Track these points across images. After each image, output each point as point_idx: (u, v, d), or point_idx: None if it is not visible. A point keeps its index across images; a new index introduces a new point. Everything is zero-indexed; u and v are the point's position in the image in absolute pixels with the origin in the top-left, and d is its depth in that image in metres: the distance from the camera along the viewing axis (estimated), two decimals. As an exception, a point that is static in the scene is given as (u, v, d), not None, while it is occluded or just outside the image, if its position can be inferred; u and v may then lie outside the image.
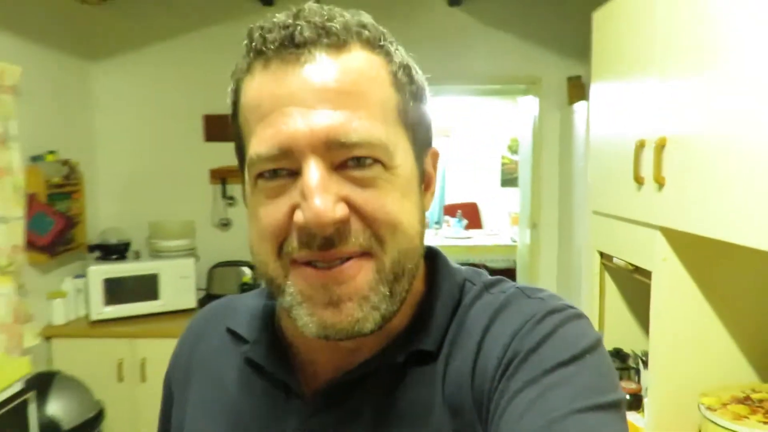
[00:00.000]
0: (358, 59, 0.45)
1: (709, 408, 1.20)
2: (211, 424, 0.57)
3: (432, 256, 0.56)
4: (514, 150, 6.60)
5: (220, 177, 3.01)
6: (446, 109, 6.35)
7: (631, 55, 1.44)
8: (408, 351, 0.50)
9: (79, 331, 2.58)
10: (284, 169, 0.44)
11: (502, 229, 5.85)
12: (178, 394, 0.63)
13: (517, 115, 3.49)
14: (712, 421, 1.17)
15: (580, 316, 0.49)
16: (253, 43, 0.46)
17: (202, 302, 2.86)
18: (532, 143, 3.16)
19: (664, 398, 1.36)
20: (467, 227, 5.61)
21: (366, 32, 0.46)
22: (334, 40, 0.44)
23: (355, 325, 0.45)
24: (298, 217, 0.43)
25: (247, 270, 2.92)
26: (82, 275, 2.70)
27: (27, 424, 1.86)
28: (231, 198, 3.03)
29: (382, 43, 0.47)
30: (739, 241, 1.02)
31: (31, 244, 2.30)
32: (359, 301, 0.45)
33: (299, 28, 0.44)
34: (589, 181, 1.74)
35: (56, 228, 2.44)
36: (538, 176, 3.17)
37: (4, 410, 1.74)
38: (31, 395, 1.88)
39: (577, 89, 2.86)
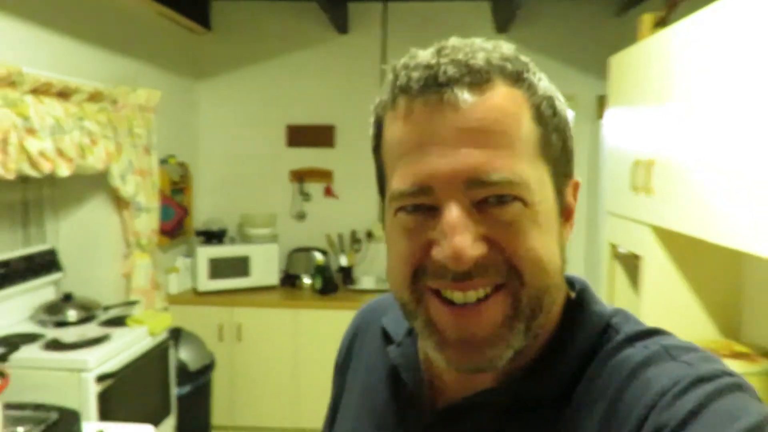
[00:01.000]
0: (500, 95, 0.44)
1: (678, 353, 1.68)
2: (354, 414, 0.60)
3: (577, 288, 0.52)
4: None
5: (299, 177, 3.60)
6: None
7: (636, 93, 1.91)
8: (525, 392, 0.47)
9: (189, 299, 3.21)
10: (424, 204, 0.45)
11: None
12: (339, 381, 0.67)
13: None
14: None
15: (738, 386, 0.42)
16: (398, 81, 0.46)
17: (283, 281, 3.46)
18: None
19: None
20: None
21: (509, 65, 0.45)
22: (477, 78, 0.44)
23: (488, 362, 0.45)
24: (437, 253, 0.43)
25: (318, 255, 3.49)
26: (189, 255, 3.35)
27: (167, 364, 2.48)
28: (307, 194, 3.61)
29: (525, 75, 0.46)
30: (704, 237, 1.50)
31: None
32: (494, 340, 0.44)
33: (443, 67, 0.44)
34: (604, 187, 2.22)
35: (177, 217, 3.07)
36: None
37: (155, 350, 2.35)
38: (171, 342, 2.50)
39: (605, 106, 3.32)
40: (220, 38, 3.54)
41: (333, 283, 3.34)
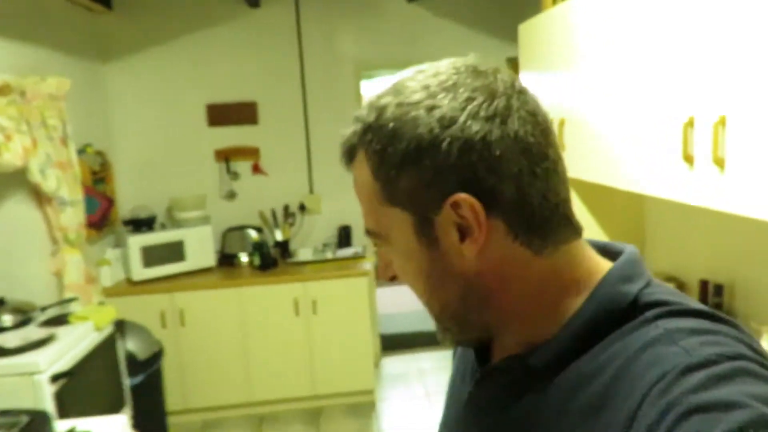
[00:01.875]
0: (356, 167, 0.55)
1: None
2: (453, 376, 0.71)
3: (611, 268, 0.53)
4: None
5: (224, 156, 3.56)
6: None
7: (544, 58, 2.10)
8: (526, 362, 0.52)
9: (125, 290, 3.15)
10: None
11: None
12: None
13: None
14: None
15: (738, 371, 0.41)
16: None
17: (220, 261, 3.46)
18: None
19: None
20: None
21: (360, 136, 0.53)
22: (349, 158, 0.55)
23: (445, 343, 0.60)
24: None
25: (253, 232, 3.51)
26: (119, 246, 3.26)
27: (117, 356, 2.46)
28: (234, 173, 3.59)
29: (365, 134, 0.52)
30: (609, 183, 1.72)
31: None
32: (438, 327, 0.59)
33: (342, 149, 0.56)
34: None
35: (102, 208, 2.97)
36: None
37: (103, 344, 2.33)
38: (117, 334, 2.47)
39: (515, 69, 3.54)
40: (123, 17, 3.37)
41: (271, 258, 3.39)
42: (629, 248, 0.55)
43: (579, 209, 2.05)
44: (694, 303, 0.50)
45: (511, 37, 3.62)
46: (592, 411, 0.46)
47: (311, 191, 3.71)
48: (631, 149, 1.56)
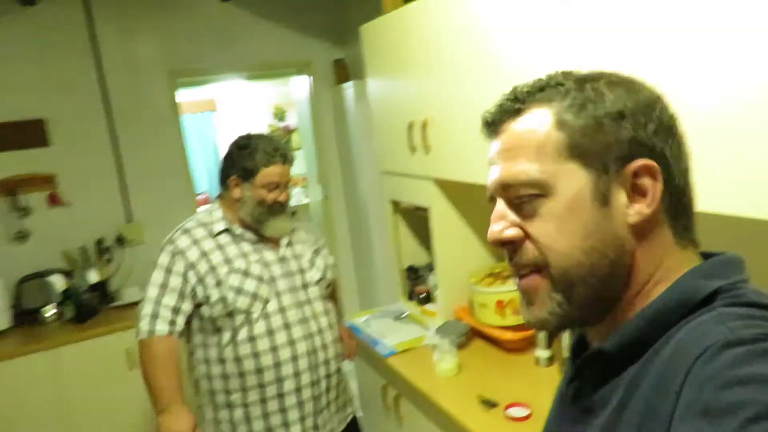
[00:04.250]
0: (525, 120, 0.57)
1: (474, 284, 1.95)
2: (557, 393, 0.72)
3: (699, 264, 0.56)
4: (280, 117, 7.07)
5: (8, 188, 2.84)
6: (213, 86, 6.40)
7: (398, 60, 2.05)
8: (596, 348, 0.57)
9: None
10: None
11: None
12: None
13: (293, 92, 3.97)
14: (477, 290, 1.92)
15: None
16: (483, 128, 0.62)
17: (18, 319, 2.76)
18: (311, 116, 3.70)
19: (447, 287, 2.10)
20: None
21: (539, 93, 0.57)
22: (511, 114, 0.58)
23: (539, 323, 0.58)
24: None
25: (59, 277, 2.87)
26: None
27: None
28: (24, 208, 2.89)
29: (551, 95, 0.56)
30: (474, 181, 1.73)
31: None
32: (539, 305, 0.57)
33: (493, 113, 0.60)
34: (375, 150, 2.36)
35: None
36: (321, 143, 3.74)
37: None
38: None
39: (342, 69, 3.47)
40: None
41: (89, 306, 2.82)
42: (729, 252, 0.57)
43: (448, 211, 2.04)
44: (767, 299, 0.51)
45: (337, 39, 3.56)
46: (654, 393, 0.48)
47: (130, 219, 3.18)
48: (487, 146, 1.58)
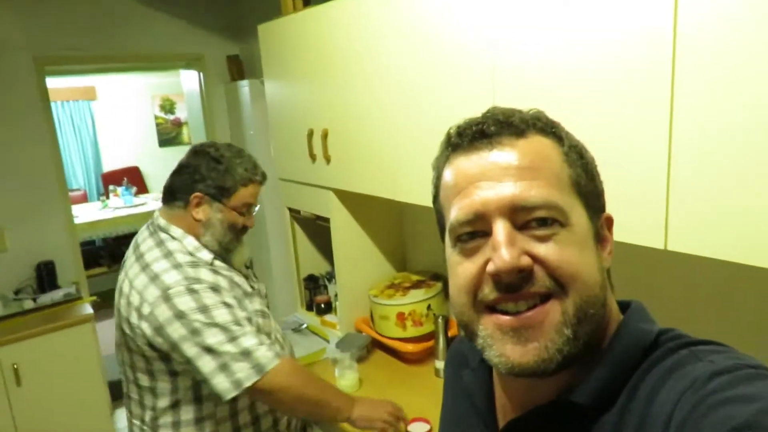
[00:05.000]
0: (534, 143, 0.54)
1: (374, 295, 1.93)
2: (443, 424, 0.72)
3: (628, 311, 0.57)
4: (168, 109, 6.62)
5: None
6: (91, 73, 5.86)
7: (296, 64, 1.97)
8: (564, 399, 0.53)
9: None
10: (479, 231, 0.52)
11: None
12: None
13: (185, 84, 3.72)
14: (377, 303, 1.91)
15: (760, 375, 0.44)
16: (451, 139, 0.57)
17: None
18: (202, 111, 3.48)
19: (348, 298, 2.07)
20: (136, 194, 5.53)
21: (540, 123, 0.56)
22: (514, 130, 0.54)
23: (541, 364, 0.50)
24: (490, 267, 0.51)
25: None
26: None
27: None
28: None
29: (553, 129, 0.56)
30: (373, 193, 1.70)
31: None
32: (545, 342, 0.50)
33: (487, 124, 0.54)
34: (273, 156, 2.26)
35: None
36: (214, 139, 3.53)
37: None
38: None
39: (237, 66, 3.30)
40: None
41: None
42: (635, 301, 0.59)
43: (348, 221, 2.00)
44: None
45: (231, 34, 3.37)
46: (642, 429, 0.48)
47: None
48: (390, 159, 1.58)
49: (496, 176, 0.52)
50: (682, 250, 0.92)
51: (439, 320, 1.77)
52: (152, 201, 5.40)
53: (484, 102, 1.23)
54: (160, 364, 1.33)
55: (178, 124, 6.67)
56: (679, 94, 0.88)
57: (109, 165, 6.31)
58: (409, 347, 1.83)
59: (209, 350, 1.24)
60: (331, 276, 2.27)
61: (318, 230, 2.29)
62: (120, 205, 5.18)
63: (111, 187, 5.49)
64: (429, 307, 1.85)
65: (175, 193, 1.42)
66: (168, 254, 1.35)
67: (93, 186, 6.25)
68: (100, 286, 5.39)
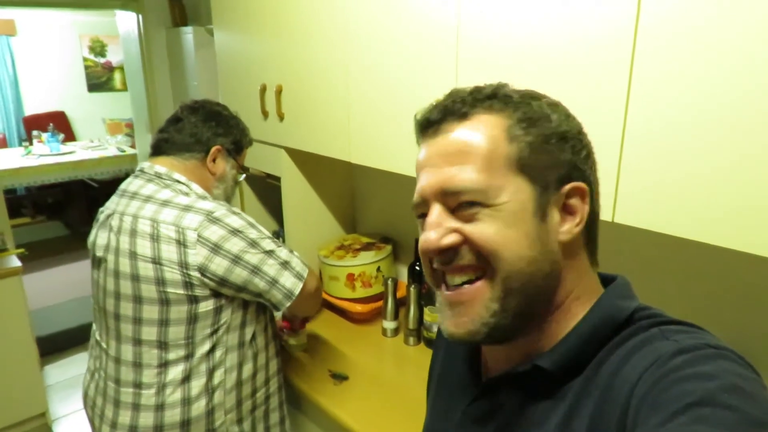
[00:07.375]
0: (473, 125, 0.56)
1: (324, 256, 1.94)
2: (435, 386, 0.76)
3: (609, 285, 0.60)
4: (98, 52, 6.16)
5: None
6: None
7: (248, 13, 1.87)
8: (531, 364, 0.57)
9: None
10: (425, 212, 0.59)
11: (100, 138, 5.58)
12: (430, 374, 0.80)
13: (121, 26, 3.47)
14: (327, 264, 1.92)
15: (721, 355, 0.47)
16: (415, 127, 0.61)
17: None
18: (140, 57, 3.27)
19: (297, 258, 2.06)
20: (64, 141, 5.17)
21: (488, 101, 0.57)
22: (457, 115, 0.57)
23: (468, 335, 0.56)
24: (420, 245, 0.58)
25: None
26: None
27: None
28: None
29: (502, 106, 0.57)
30: (327, 154, 1.68)
31: None
32: (473, 316, 0.56)
33: (434, 111, 0.58)
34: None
35: None
36: (152, 87, 3.35)
37: None
38: None
39: (180, 11, 3.11)
40: None
41: None
42: (620, 275, 0.63)
43: (299, 181, 1.98)
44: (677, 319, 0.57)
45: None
46: (604, 402, 0.51)
47: None
48: (342, 120, 1.56)
49: (437, 163, 0.57)
50: (629, 224, 0.98)
51: (389, 282, 1.80)
52: (81, 149, 5.07)
53: (446, 71, 1.23)
54: (181, 308, 1.21)
55: (110, 69, 6.24)
56: (637, 72, 0.92)
57: (32, 108, 5.84)
58: (358, 308, 1.86)
59: (271, 253, 1.27)
60: (279, 235, 2.25)
61: (267, 189, 2.25)
62: (45, 152, 4.82)
63: (35, 133, 5.09)
64: (378, 269, 1.88)
65: (191, 141, 1.38)
66: (186, 193, 1.30)
67: (13, 130, 5.79)
68: (23, 237, 5.08)
